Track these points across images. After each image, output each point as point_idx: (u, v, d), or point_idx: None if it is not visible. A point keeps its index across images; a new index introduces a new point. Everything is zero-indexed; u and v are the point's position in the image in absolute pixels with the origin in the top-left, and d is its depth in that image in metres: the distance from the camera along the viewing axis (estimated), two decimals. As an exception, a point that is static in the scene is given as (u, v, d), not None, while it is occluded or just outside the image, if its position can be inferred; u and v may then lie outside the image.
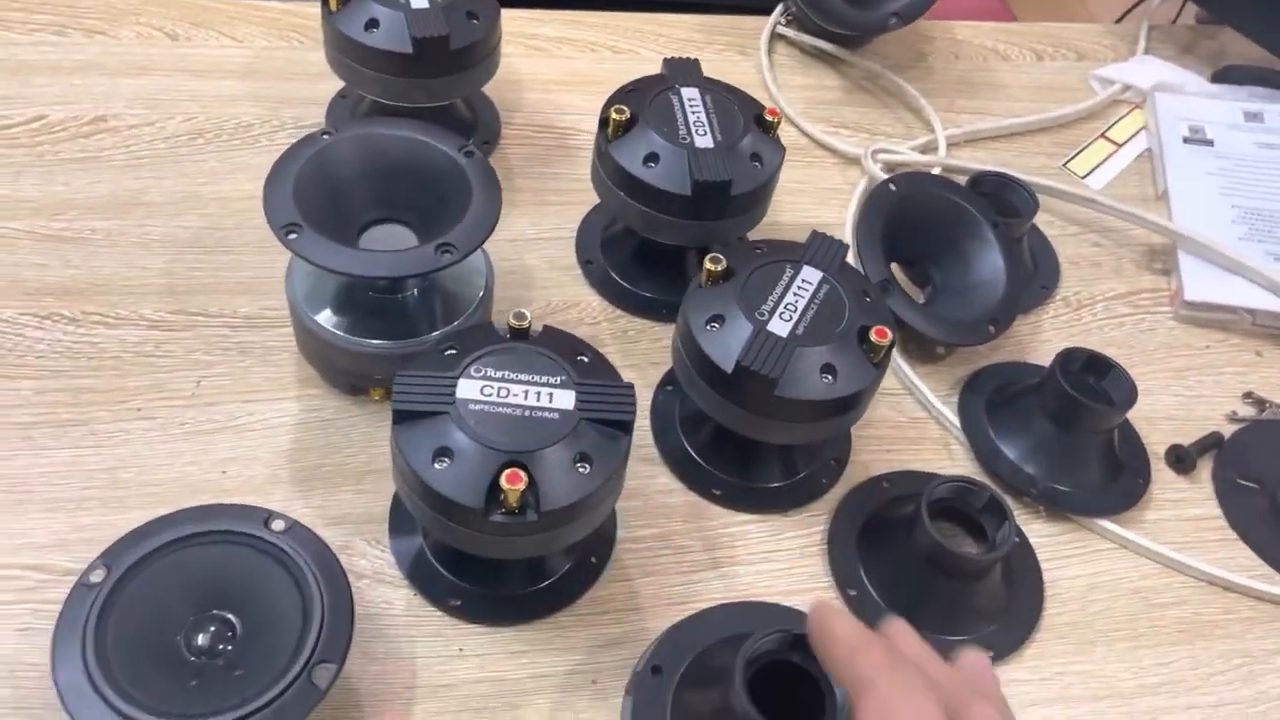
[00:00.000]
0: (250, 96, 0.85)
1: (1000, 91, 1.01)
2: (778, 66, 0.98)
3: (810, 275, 0.63)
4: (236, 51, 0.88)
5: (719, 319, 0.61)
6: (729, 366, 0.59)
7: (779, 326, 0.60)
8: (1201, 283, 0.83)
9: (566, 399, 0.56)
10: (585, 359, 0.59)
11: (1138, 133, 0.98)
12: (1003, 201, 0.81)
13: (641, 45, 0.97)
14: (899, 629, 0.45)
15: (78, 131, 0.80)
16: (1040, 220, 0.88)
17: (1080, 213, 0.89)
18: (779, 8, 0.99)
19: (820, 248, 0.65)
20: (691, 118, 0.71)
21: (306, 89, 0.85)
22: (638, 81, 0.74)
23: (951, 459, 0.72)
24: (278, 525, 0.57)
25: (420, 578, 0.62)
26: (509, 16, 0.96)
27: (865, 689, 0.40)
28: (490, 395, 0.55)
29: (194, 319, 0.71)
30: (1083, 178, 0.93)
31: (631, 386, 0.56)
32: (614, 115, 0.70)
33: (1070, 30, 1.08)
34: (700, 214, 0.69)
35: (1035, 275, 0.84)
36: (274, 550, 0.55)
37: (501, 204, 0.64)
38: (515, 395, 0.55)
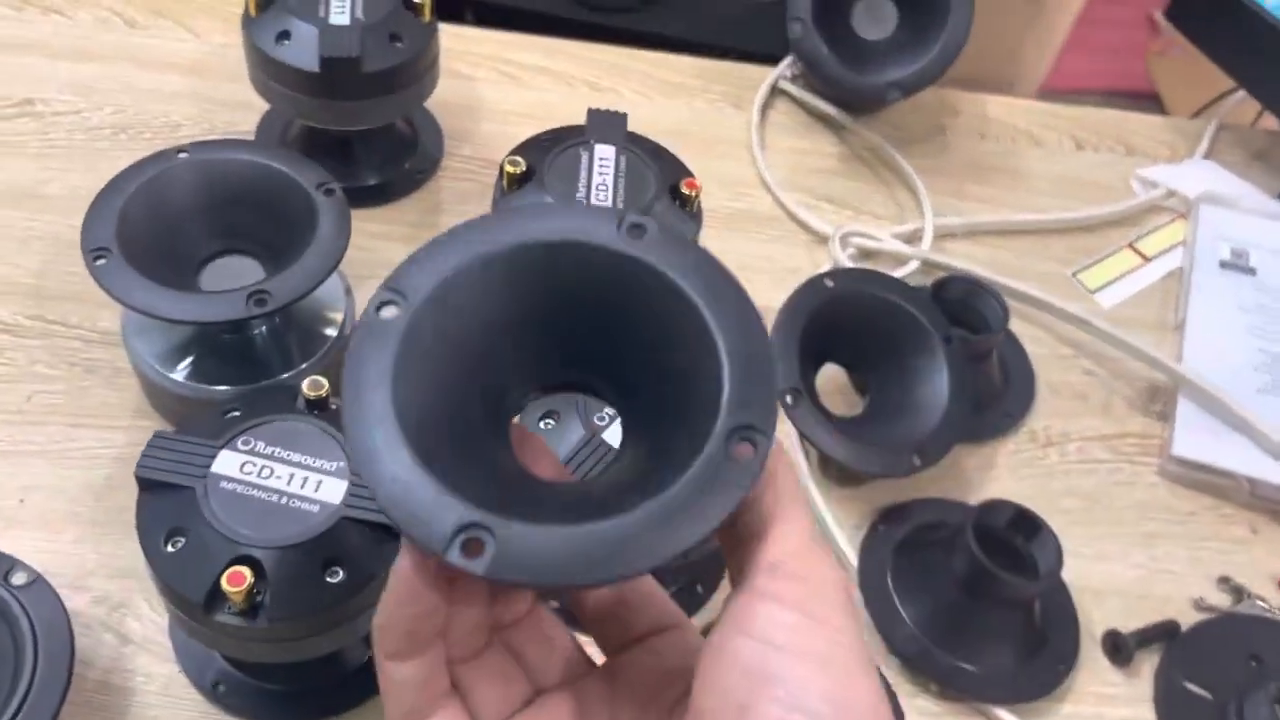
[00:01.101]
0: (189, 95, 0.81)
1: (1022, 181, 0.89)
2: (772, 125, 0.89)
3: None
4: (190, 46, 0.84)
5: None
6: None
7: None
8: (1197, 437, 0.71)
9: (335, 490, 0.49)
10: (382, 443, 0.52)
11: (1173, 248, 0.85)
12: (969, 311, 0.71)
13: (625, 84, 0.90)
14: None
15: (0, 114, 0.77)
16: (1027, 336, 0.77)
17: (1075, 334, 0.78)
18: (786, 60, 0.90)
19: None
20: (596, 179, 0.63)
21: (249, 94, 0.80)
22: (557, 130, 0.67)
23: (842, 604, 0.62)
24: (18, 579, 0.51)
25: (190, 653, 0.56)
26: (485, 38, 0.91)
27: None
28: (250, 474, 0.49)
29: (50, 327, 0.67)
30: (1092, 292, 0.82)
31: (416, 485, 0.49)
32: (508, 167, 0.63)
33: (1125, 120, 0.96)
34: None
35: (1003, 399, 0.74)
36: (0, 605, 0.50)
37: (342, 255, 0.57)
38: (277, 478, 0.49)
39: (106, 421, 0.63)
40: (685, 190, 0.63)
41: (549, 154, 0.64)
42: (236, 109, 0.80)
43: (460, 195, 0.79)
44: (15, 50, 0.81)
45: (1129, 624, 0.63)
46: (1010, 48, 2.77)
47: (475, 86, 0.87)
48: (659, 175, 0.64)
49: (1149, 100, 2.75)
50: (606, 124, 0.66)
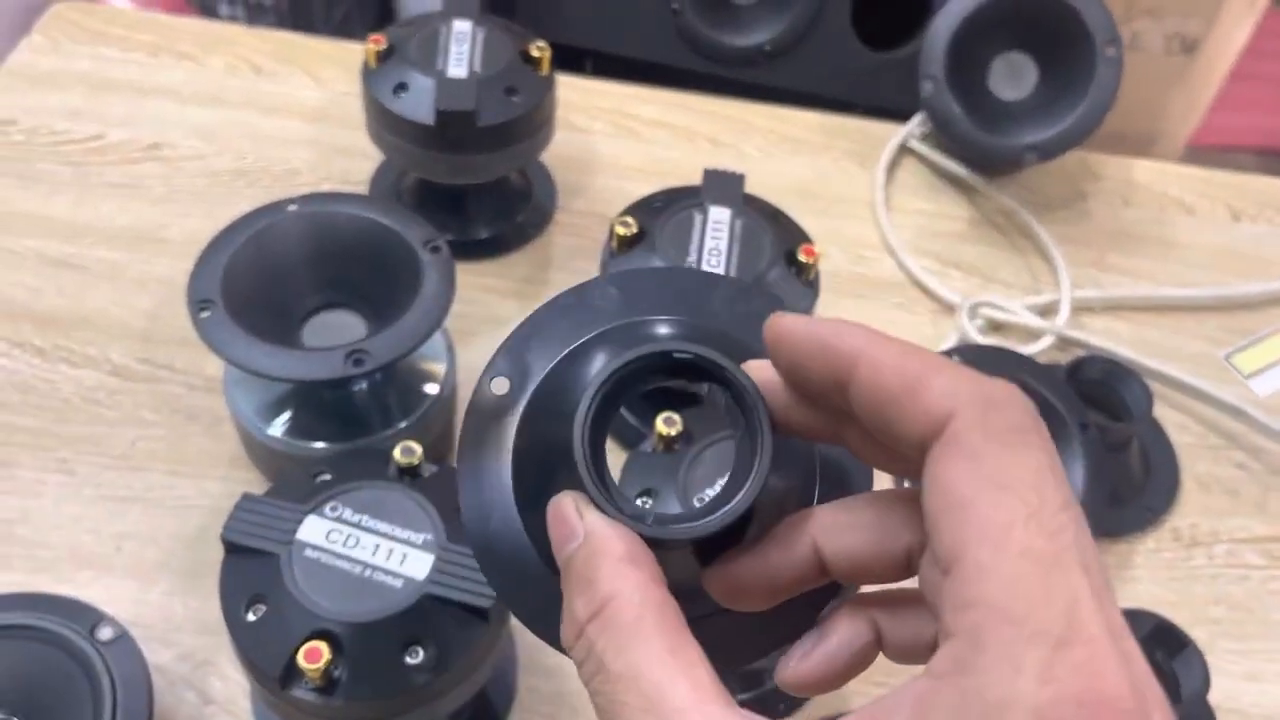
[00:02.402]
0: (308, 142, 0.81)
1: (1172, 252, 0.83)
2: (898, 185, 0.85)
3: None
4: (313, 93, 0.85)
5: None
6: None
7: None
8: (1369, 546, 0.64)
9: (420, 565, 0.47)
10: (474, 516, 0.49)
11: (1340, 330, 0.78)
12: (1108, 394, 0.66)
13: (747, 140, 0.87)
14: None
15: (128, 156, 0.79)
16: (1173, 423, 0.71)
17: (1228, 423, 0.71)
18: (916, 118, 0.86)
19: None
20: (709, 244, 0.60)
21: (367, 143, 0.81)
22: (671, 190, 0.65)
23: None
24: (105, 634, 0.51)
25: (270, 720, 0.54)
26: (604, 90, 0.89)
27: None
28: (335, 543, 0.47)
29: (157, 371, 0.67)
30: (1247, 378, 0.75)
31: (506, 564, 0.47)
32: (618, 229, 0.60)
33: (1286, 188, 0.89)
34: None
35: (1144, 492, 0.67)
36: (83, 660, 0.49)
37: (445, 315, 0.56)
38: (363, 548, 0.47)
39: (204, 470, 0.63)
40: (802, 258, 0.60)
41: (661, 215, 0.62)
42: (354, 157, 0.80)
43: (571, 251, 0.77)
44: (147, 95, 0.83)
45: (1286, 757, 0.57)
46: (1156, 102, 2.65)
47: (591, 140, 0.85)
48: (775, 240, 0.61)
49: (1306, 159, 2.61)
50: (722, 185, 0.63)
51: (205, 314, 0.54)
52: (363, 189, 0.78)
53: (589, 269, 0.76)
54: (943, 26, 0.81)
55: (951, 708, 0.22)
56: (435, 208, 0.75)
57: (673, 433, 0.52)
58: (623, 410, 0.66)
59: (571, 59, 0.99)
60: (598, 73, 0.98)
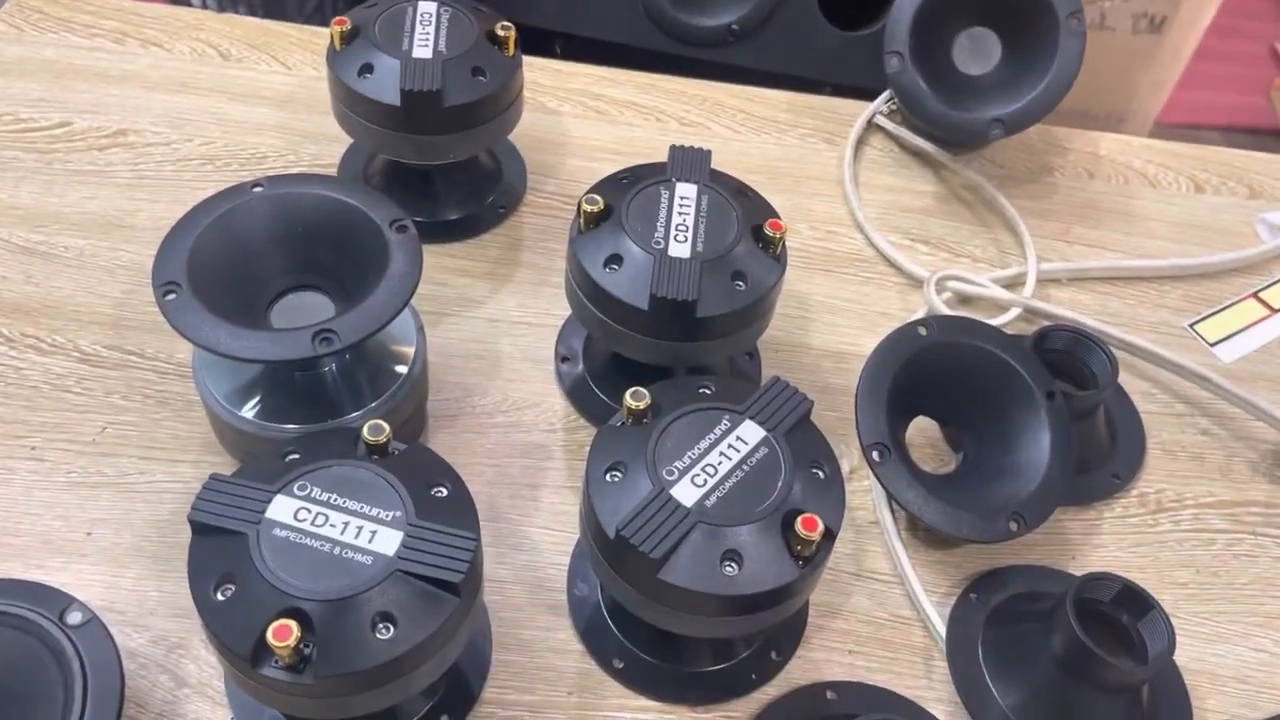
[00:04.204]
0: (277, 127, 0.81)
1: (1136, 224, 0.84)
2: (866, 161, 0.86)
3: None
4: (281, 78, 0.85)
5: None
6: None
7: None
8: (1330, 508, 0.65)
9: (389, 541, 0.47)
10: (442, 493, 0.50)
11: (1303, 298, 0.79)
12: (1074, 364, 0.66)
13: (716, 120, 0.87)
14: None
15: (94, 143, 0.78)
16: (1138, 391, 0.72)
17: (1192, 390, 0.72)
18: (883, 95, 0.87)
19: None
20: (676, 219, 0.60)
21: (335, 127, 0.80)
22: (638, 167, 0.65)
23: (930, 682, 0.58)
24: (74, 618, 0.51)
25: (245, 703, 0.54)
26: (575, 72, 0.89)
27: None
28: (304, 521, 0.47)
29: (127, 358, 0.67)
30: (1211, 345, 0.76)
31: (475, 538, 0.47)
32: (585, 205, 0.60)
33: (1249, 160, 0.90)
34: (662, 333, 0.59)
35: (1110, 459, 0.68)
36: (54, 644, 0.49)
37: (412, 293, 0.56)
38: (332, 526, 0.47)
39: (176, 455, 0.63)
40: (769, 231, 0.60)
41: (629, 192, 0.62)
42: (322, 141, 0.80)
43: (542, 231, 0.77)
44: (113, 81, 0.82)
45: (1250, 716, 0.58)
46: (1123, 81, 2.67)
47: (562, 121, 0.85)
48: (742, 215, 0.61)
49: (1271, 136, 2.62)
50: (689, 161, 0.64)
51: (171, 296, 0.54)
52: (332, 173, 0.78)
53: (560, 249, 0.76)
54: (907, 3, 0.82)
55: None
56: (404, 190, 0.75)
57: (641, 406, 0.53)
58: (593, 388, 0.67)
59: (541, 42, 0.99)
60: (567, 55, 0.98)
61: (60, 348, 0.67)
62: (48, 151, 0.77)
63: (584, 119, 0.86)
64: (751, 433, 0.52)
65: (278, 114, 0.82)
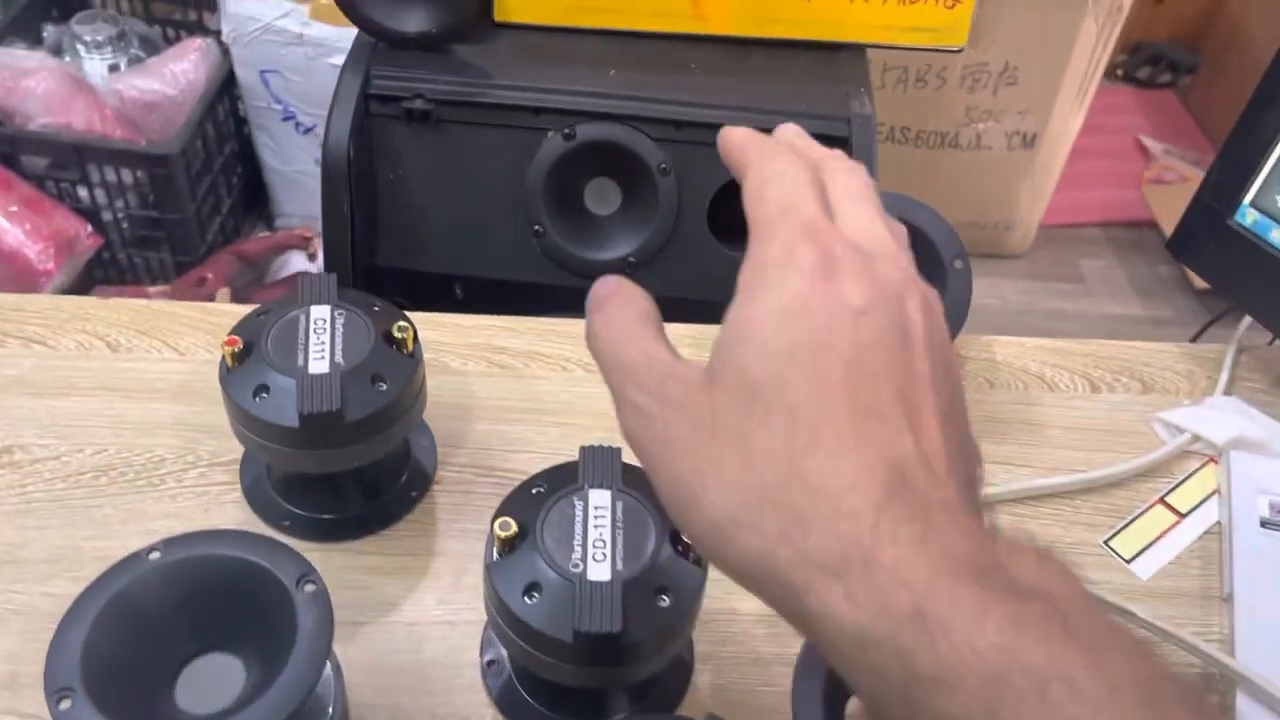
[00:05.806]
0: (173, 423, 0.79)
1: (1040, 434, 0.86)
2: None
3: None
4: (174, 366, 0.83)
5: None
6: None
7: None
8: (1265, 740, 0.66)
9: None
10: None
11: (1207, 499, 0.81)
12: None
13: (621, 364, 0.87)
14: (785, 126, 0.48)
15: (-24, 467, 0.75)
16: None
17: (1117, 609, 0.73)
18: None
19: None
20: (593, 535, 0.59)
21: (233, 417, 0.79)
22: (551, 471, 0.64)
23: None
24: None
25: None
26: (474, 326, 0.89)
27: (745, 170, 0.45)
28: None
29: (24, 721, 0.63)
30: (1128, 562, 0.77)
31: None
32: (498, 530, 0.59)
33: (1137, 352, 0.93)
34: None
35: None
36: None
37: (324, 663, 0.53)
38: None
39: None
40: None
41: (541, 507, 0.61)
42: (221, 436, 0.77)
43: (457, 510, 0.76)
44: (-3, 391, 0.80)
45: None
46: (1005, 193, 2.78)
47: (467, 382, 0.85)
48: (659, 518, 0.61)
49: (1148, 227, 2.76)
50: (599, 463, 0.63)
51: (65, 704, 0.50)
52: (233, 471, 0.76)
53: (476, 530, 0.74)
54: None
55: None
56: (308, 490, 0.74)
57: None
58: (524, 694, 0.66)
59: (442, 286, 0.99)
60: (468, 296, 0.98)
61: (-51, 719, 0.62)
62: (-75, 482, 0.74)
63: (489, 377, 0.85)
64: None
65: (174, 408, 0.80)
